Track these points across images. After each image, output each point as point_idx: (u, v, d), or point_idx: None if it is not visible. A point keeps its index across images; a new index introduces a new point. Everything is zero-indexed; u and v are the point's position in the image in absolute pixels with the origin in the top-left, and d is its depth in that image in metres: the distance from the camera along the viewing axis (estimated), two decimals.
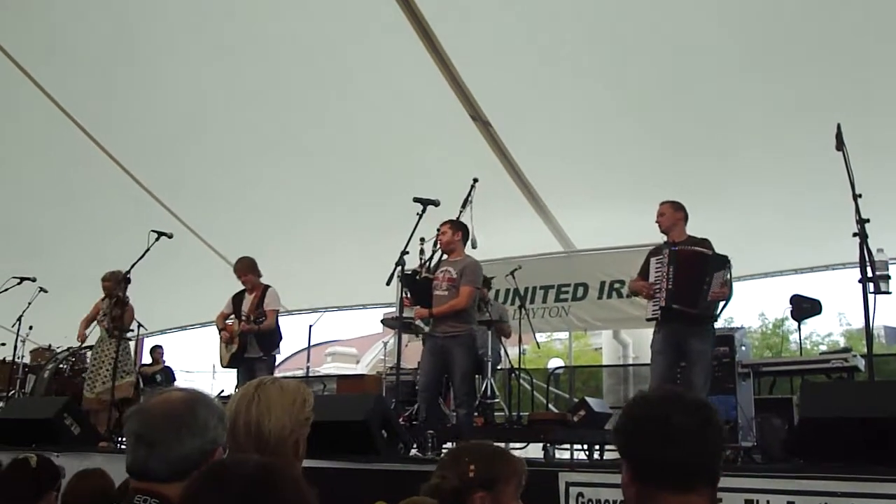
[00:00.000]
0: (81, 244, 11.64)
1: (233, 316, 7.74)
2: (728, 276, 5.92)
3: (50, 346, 10.37)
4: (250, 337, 7.55)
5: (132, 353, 8.87)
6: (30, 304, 9.32)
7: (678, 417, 1.63)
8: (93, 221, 11.41)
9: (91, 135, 9.94)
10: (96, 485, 3.45)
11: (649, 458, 1.64)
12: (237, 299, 7.84)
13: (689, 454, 1.62)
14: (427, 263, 6.71)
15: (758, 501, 3.66)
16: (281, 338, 7.86)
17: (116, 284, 7.90)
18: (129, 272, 7.56)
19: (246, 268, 7.84)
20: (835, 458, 3.74)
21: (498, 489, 2.39)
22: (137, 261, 7.37)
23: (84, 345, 8.84)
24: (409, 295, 6.81)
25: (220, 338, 7.74)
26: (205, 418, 1.90)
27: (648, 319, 6.20)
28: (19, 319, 9.33)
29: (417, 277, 6.61)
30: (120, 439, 6.47)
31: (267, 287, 7.77)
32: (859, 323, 20.38)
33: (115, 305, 7.98)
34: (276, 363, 8.41)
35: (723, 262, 5.91)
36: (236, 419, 2.08)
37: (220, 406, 2.00)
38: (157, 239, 7.35)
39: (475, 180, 6.94)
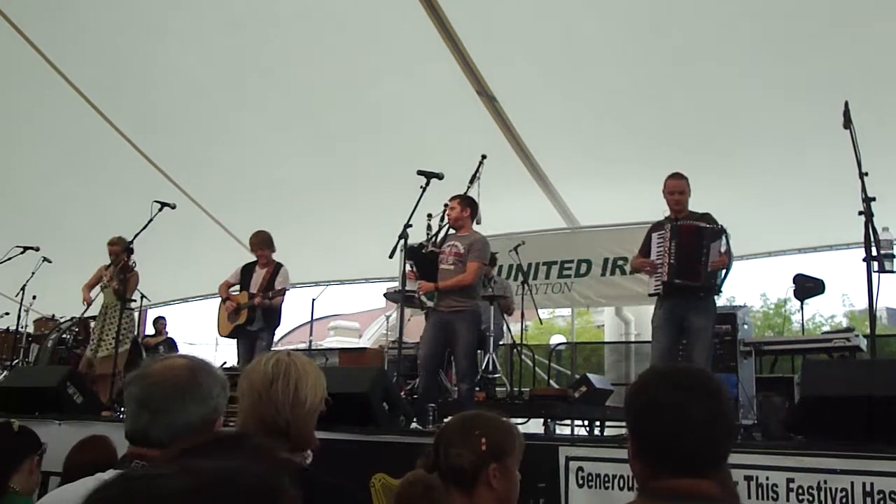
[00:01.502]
0: (85, 215, 11.65)
1: (237, 287, 7.74)
2: (726, 245, 5.90)
3: (53, 315, 10.39)
4: (257, 311, 7.56)
5: (136, 322, 8.88)
6: (33, 273, 9.34)
7: (694, 407, 1.60)
8: (97, 192, 11.40)
9: (95, 105, 9.92)
10: (99, 452, 3.46)
11: (658, 442, 1.62)
12: (246, 271, 7.82)
13: (700, 442, 1.60)
14: (434, 238, 6.70)
15: (757, 478, 3.67)
16: (282, 315, 7.90)
17: (123, 250, 7.90)
18: (132, 241, 7.56)
19: (263, 242, 7.80)
20: (835, 437, 3.74)
21: (505, 460, 2.40)
22: (141, 231, 7.37)
23: (87, 314, 8.85)
24: (414, 268, 6.80)
25: (223, 306, 7.74)
26: (208, 386, 1.90)
27: (651, 295, 6.19)
28: (23, 289, 9.36)
29: (424, 251, 6.61)
30: (122, 408, 6.49)
31: (280, 265, 7.76)
32: (862, 304, 20.35)
33: (121, 271, 7.97)
34: (278, 337, 8.43)
35: (718, 233, 5.91)
36: (274, 382, 2.07)
37: (223, 375, 1.99)
38: (160, 209, 7.34)
39: (483, 156, 6.92)
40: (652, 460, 1.63)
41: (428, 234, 6.69)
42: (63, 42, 9.15)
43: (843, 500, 3.45)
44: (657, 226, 6.22)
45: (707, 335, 5.98)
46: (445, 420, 2.61)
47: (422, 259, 6.61)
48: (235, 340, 7.78)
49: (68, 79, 9.50)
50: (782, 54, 7.75)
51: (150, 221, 7.28)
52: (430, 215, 6.83)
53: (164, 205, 7.38)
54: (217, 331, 7.91)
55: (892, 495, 3.36)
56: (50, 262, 9.49)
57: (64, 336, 9.46)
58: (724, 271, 6.06)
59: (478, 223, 6.67)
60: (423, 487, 2.85)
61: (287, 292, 7.75)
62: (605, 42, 8.19)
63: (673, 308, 6.01)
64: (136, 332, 9.07)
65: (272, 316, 7.66)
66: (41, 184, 11.36)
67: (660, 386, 1.70)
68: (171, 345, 11.66)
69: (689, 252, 5.93)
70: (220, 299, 7.89)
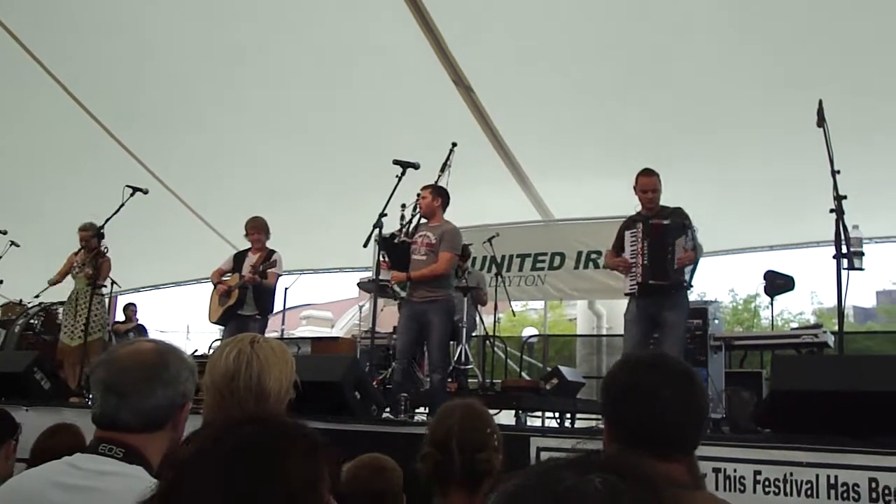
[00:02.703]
0: (54, 199, 11.51)
1: (230, 273, 7.67)
2: (691, 241, 5.89)
3: (21, 300, 10.25)
4: (248, 294, 7.50)
5: (106, 309, 8.78)
6: (0, 257, 9.19)
7: (667, 391, 1.63)
8: (67, 176, 11.26)
9: (68, 89, 9.80)
10: (69, 440, 3.41)
11: (633, 426, 1.64)
12: (239, 258, 7.75)
13: (674, 426, 1.62)
14: (406, 227, 6.68)
15: (725, 470, 3.71)
16: (275, 302, 7.84)
17: (93, 235, 7.80)
18: (102, 227, 7.47)
19: (258, 227, 7.69)
20: (801, 430, 3.79)
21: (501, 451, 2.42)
22: (112, 215, 7.28)
23: (55, 300, 8.73)
24: (386, 258, 6.78)
25: (216, 291, 7.66)
26: (177, 370, 1.87)
27: (626, 294, 6.21)
28: None
29: (396, 241, 6.59)
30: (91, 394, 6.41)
31: (273, 251, 7.70)
32: (830, 302, 20.66)
33: (93, 257, 7.87)
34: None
35: (682, 229, 5.91)
36: (235, 376, 2.03)
37: (191, 360, 1.96)
38: (131, 194, 7.25)
39: (454, 144, 6.90)
40: (627, 445, 1.65)
41: (401, 224, 6.67)
42: (36, 26, 9.01)
43: (808, 492, 3.50)
44: (629, 223, 6.20)
45: (680, 330, 6.02)
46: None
47: (394, 249, 6.58)
48: (223, 328, 7.70)
49: (41, 62, 9.36)
50: (758, 53, 7.82)
51: (121, 206, 7.20)
52: (403, 205, 6.80)
53: (135, 189, 7.29)
54: (208, 318, 7.81)
55: (856, 487, 3.42)
56: (18, 245, 9.34)
57: (31, 321, 9.34)
58: (691, 266, 6.07)
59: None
60: (375, 469, 2.83)
61: (279, 277, 7.68)
62: (582, 34, 8.21)
63: (647, 305, 6.03)
64: (106, 319, 8.96)
65: (264, 300, 7.56)
66: (9, 167, 11.18)
67: (637, 370, 1.73)
68: (142, 332, 11.54)
69: (659, 251, 5.94)
70: (211, 287, 7.77)
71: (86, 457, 1.78)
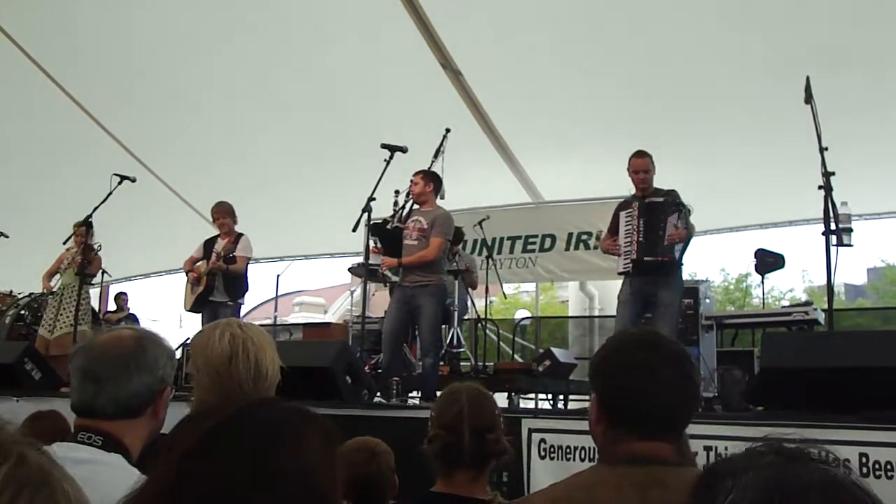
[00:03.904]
0: (44, 190, 11.45)
1: (202, 260, 7.67)
2: (681, 218, 5.91)
3: (11, 291, 10.20)
4: (217, 280, 7.47)
5: (93, 302, 8.74)
6: None
7: (665, 370, 1.60)
8: (55, 167, 11.19)
9: (55, 79, 9.76)
10: (52, 426, 3.39)
11: (624, 406, 1.62)
12: (209, 244, 7.75)
13: (667, 406, 1.60)
14: (399, 213, 6.68)
15: (716, 448, 3.73)
16: (247, 288, 7.81)
17: (82, 224, 7.77)
18: (90, 216, 7.44)
19: (224, 211, 7.73)
20: (792, 407, 3.81)
21: None
22: (100, 204, 7.26)
23: (46, 292, 8.69)
24: (378, 245, 6.78)
25: (188, 279, 7.67)
26: (154, 356, 1.86)
27: (620, 273, 6.21)
28: None
29: (388, 227, 6.58)
30: None
31: (241, 234, 7.70)
32: (821, 280, 20.71)
33: (84, 250, 7.84)
34: (244, 313, 8.37)
35: (675, 207, 5.92)
36: (233, 358, 2.03)
37: (170, 345, 1.96)
38: (119, 183, 7.23)
39: (447, 130, 6.89)
40: (616, 423, 1.63)
41: (394, 210, 6.66)
42: (21, 15, 8.93)
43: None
44: (624, 204, 6.21)
45: (673, 310, 6.02)
46: (439, 398, 2.58)
47: (386, 235, 6.58)
48: (200, 315, 7.71)
49: (26, 52, 9.29)
50: (746, 31, 7.80)
51: (109, 195, 7.18)
52: (396, 192, 6.80)
53: (123, 178, 7.27)
54: (183, 306, 7.83)
55: (846, 462, 3.44)
56: (7, 237, 9.31)
57: (22, 312, 9.30)
58: (681, 245, 6.08)
59: (441, 198, 6.65)
60: (367, 454, 2.84)
61: (248, 261, 7.68)
62: (571, 16, 8.17)
63: (641, 285, 6.03)
64: (95, 311, 8.92)
65: (234, 285, 7.56)
66: None
67: (630, 348, 1.70)
68: (133, 321, 11.49)
69: (653, 227, 5.96)
70: (185, 275, 7.82)
71: (66, 446, 1.77)
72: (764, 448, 0.93)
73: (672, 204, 5.92)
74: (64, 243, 8.13)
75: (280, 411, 1.07)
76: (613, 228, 6.25)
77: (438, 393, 6.21)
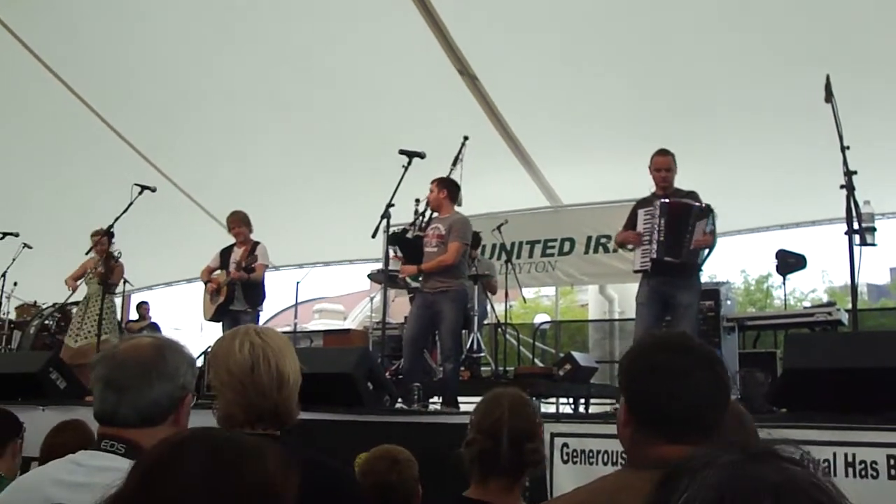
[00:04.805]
0: (65, 200, 11.54)
1: (219, 270, 7.72)
2: (711, 225, 5.89)
3: (35, 302, 10.31)
4: (237, 289, 7.54)
5: (118, 311, 8.81)
6: (14, 259, 9.24)
7: (699, 373, 1.58)
8: (77, 177, 11.29)
9: (74, 90, 9.82)
10: (75, 436, 3.42)
11: (654, 409, 1.60)
12: (225, 253, 7.82)
13: (695, 408, 1.58)
14: (420, 221, 6.71)
15: None
16: (265, 295, 7.85)
17: (103, 234, 7.84)
18: (112, 226, 7.49)
19: (239, 220, 7.81)
20: (817, 409, 3.77)
21: None
22: (121, 214, 7.30)
23: (70, 301, 8.77)
24: (398, 253, 6.82)
25: (206, 289, 7.73)
26: (175, 364, 1.88)
27: (636, 271, 6.16)
28: (3, 275, 9.26)
29: (408, 235, 6.61)
30: None
31: (257, 242, 7.76)
32: (842, 280, 20.56)
33: (105, 260, 7.91)
34: (263, 320, 8.41)
35: (706, 212, 5.89)
36: (255, 367, 2.03)
37: (190, 353, 1.97)
38: (140, 192, 7.28)
39: (465, 138, 6.89)
40: (644, 426, 1.62)
41: (415, 218, 6.69)
42: (37, 24, 9.03)
43: (826, 471, 3.48)
44: (644, 202, 6.15)
45: (693, 312, 5.99)
46: (480, 402, 2.54)
47: (407, 244, 6.61)
48: (220, 324, 7.76)
49: (45, 63, 9.38)
50: (764, 30, 7.75)
51: (130, 205, 7.22)
52: (417, 200, 6.82)
53: (143, 188, 7.32)
54: (203, 316, 7.89)
55: (874, 465, 3.40)
56: (30, 248, 9.39)
57: (46, 322, 9.39)
58: (707, 251, 6.04)
59: (458, 205, 6.66)
60: (390, 462, 2.84)
61: (266, 268, 7.73)
62: (588, 20, 8.16)
63: (659, 285, 5.99)
64: (118, 320, 8.99)
65: (253, 294, 7.62)
66: (20, 169, 11.22)
67: (659, 350, 1.68)
68: (155, 330, 11.58)
69: (676, 229, 5.91)
70: (203, 285, 7.87)
71: (89, 454, 1.80)
72: (727, 447, 0.91)
73: (703, 209, 5.88)
74: (87, 253, 8.21)
75: (243, 436, 1.14)
76: (630, 226, 6.21)
77: (459, 398, 6.24)
